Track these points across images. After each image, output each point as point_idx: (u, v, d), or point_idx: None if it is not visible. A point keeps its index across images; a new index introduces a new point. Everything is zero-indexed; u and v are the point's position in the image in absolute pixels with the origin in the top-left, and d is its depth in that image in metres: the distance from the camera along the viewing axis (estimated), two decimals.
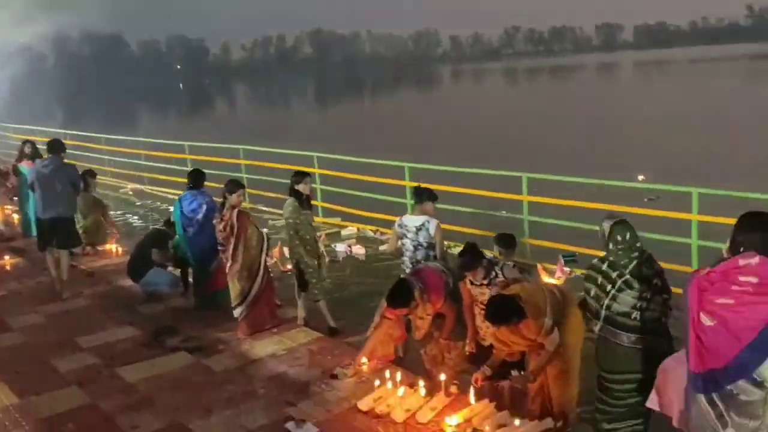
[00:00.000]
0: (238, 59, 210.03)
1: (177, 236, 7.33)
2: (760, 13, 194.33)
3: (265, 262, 6.39)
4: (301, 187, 6.37)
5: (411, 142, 22.33)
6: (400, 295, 4.91)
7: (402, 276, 5.40)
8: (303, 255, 6.34)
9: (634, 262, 4.01)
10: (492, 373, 4.51)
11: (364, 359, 5.34)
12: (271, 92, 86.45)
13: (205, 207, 6.99)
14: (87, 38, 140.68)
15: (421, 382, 4.85)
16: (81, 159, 16.54)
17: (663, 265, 7.12)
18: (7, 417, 4.91)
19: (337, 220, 11.61)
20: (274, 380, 5.32)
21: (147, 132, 23.40)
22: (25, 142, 10.36)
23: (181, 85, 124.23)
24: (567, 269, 8.19)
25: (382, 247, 9.75)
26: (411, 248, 5.73)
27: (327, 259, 9.47)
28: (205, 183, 7.40)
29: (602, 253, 4.15)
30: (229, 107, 67.82)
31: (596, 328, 4.05)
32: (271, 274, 7.29)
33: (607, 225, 4.10)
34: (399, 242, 5.89)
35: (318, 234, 10.21)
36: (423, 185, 6.06)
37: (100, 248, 9.76)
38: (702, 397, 2.75)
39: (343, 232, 11.03)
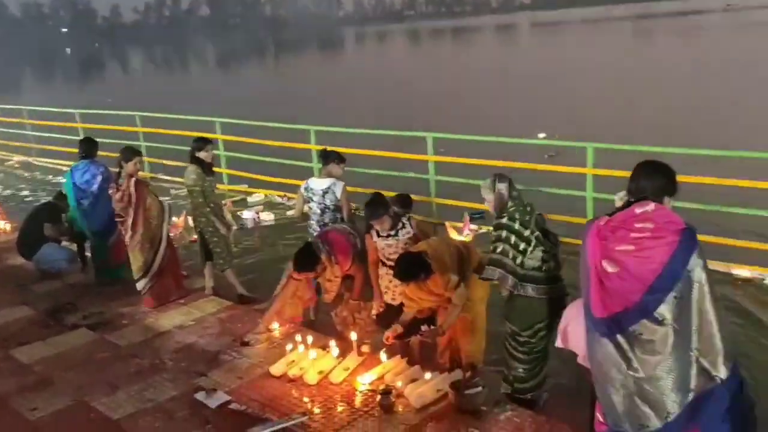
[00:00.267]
0: (130, 22, 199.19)
1: (70, 209, 6.94)
2: None
3: (168, 232, 6.18)
4: (202, 155, 6.15)
5: (317, 105, 22.08)
6: (306, 258, 4.88)
7: (308, 240, 5.36)
8: (207, 224, 6.16)
9: (534, 217, 4.16)
10: (403, 330, 4.58)
11: (274, 324, 5.30)
12: (168, 56, 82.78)
13: (99, 177, 6.65)
14: None
15: (333, 344, 4.87)
16: None
17: (561, 217, 7.54)
18: None
19: (243, 187, 11.37)
20: (182, 351, 5.19)
21: (32, 100, 21.86)
22: None
23: (68, 49, 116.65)
24: (474, 226, 8.42)
25: (289, 212, 9.66)
26: (318, 212, 5.68)
27: (235, 227, 9.31)
28: (99, 152, 7.03)
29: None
30: (123, 72, 64.43)
31: (509, 287, 4.09)
32: (177, 245, 7.08)
33: (503, 185, 4.18)
34: (306, 206, 5.83)
35: (224, 201, 9.99)
36: (329, 148, 6.00)
37: None
38: (606, 340, 2.89)
39: (250, 199, 10.82)
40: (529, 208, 4.19)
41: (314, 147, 9.93)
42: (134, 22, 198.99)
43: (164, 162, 12.22)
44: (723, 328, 2.80)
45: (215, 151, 8.42)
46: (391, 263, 4.73)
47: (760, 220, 7.35)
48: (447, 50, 58.68)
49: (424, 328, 4.65)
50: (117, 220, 6.08)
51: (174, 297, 6.20)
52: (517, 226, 4.08)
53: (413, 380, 4.37)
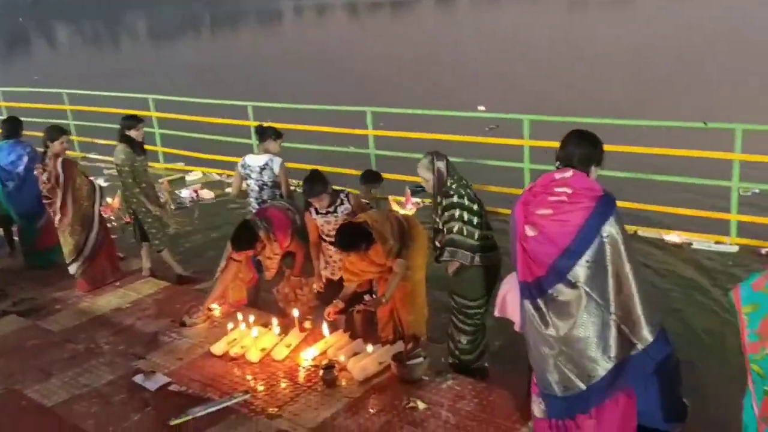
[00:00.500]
0: None
1: None
2: None
3: (100, 213, 5.97)
4: (133, 133, 5.94)
5: (254, 80, 21.65)
6: (244, 237, 4.80)
7: (246, 218, 5.27)
8: (140, 204, 5.98)
9: (471, 190, 4.20)
10: (344, 305, 4.58)
11: (214, 305, 5.22)
12: (98, 31, 79.50)
13: (26, 158, 6.38)
14: None
15: (275, 321, 4.84)
16: None
17: (501, 189, 7.65)
18: None
19: (179, 165, 11.09)
20: (120, 335, 5.07)
21: None
22: None
23: None
24: (416, 200, 8.45)
25: (227, 190, 9.47)
26: (256, 188, 5.59)
27: (172, 207, 9.08)
28: (25, 132, 6.72)
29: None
30: (50, 48, 61.55)
31: (467, 262, 4.09)
32: (113, 225, 6.87)
33: (441, 163, 4.18)
34: (244, 184, 5.73)
35: (160, 180, 9.74)
36: (266, 124, 5.89)
37: None
38: (529, 303, 2.97)
39: (188, 178, 10.57)
40: (464, 182, 4.22)
41: (251, 123, 9.75)
42: None
43: (96, 141, 11.80)
44: (644, 295, 2.89)
45: (148, 129, 8.17)
46: (331, 239, 4.72)
47: (689, 187, 7.65)
48: (386, 23, 58.31)
49: (366, 297, 4.66)
50: (45, 202, 5.85)
51: (109, 280, 6.03)
52: (466, 201, 4.11)
53: (355, 354, 4.40)
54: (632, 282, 2.85)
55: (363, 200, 5.35)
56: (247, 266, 5.23)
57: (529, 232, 2.91)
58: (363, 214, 4.57)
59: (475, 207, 4.14)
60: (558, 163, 3.04)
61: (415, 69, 23.35)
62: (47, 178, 5.66)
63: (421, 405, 3.87)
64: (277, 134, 5.68)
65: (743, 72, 16.77)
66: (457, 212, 4.08)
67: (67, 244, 5.82)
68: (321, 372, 4.20)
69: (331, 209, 4.78)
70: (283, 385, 4.22)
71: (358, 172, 8.86)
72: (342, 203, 4.81)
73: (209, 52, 39.26)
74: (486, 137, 9.54)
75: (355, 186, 6.61)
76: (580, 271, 2.84)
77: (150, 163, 6.30)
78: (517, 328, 3.58)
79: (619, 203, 2.91)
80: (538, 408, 3.15)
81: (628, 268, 2.84)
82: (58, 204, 5.69)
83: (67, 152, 5.99)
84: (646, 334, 2.87)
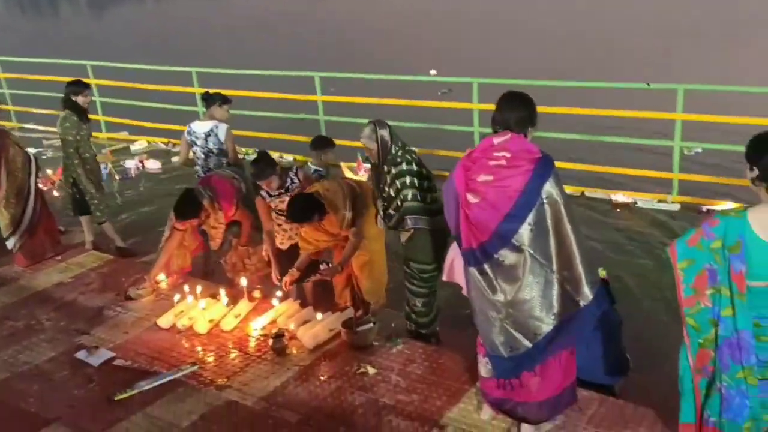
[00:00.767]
0: None
1: None
2: None
3: (36, 185, 5.73)
4: (80, 99, 5.72)
5: (200, 46, 21.04)
6: (187, 205, 4.67)
7: (189, 186, 5.11)
8: (81, 174, 5.77)
9: (416, 155, 4.16)
10: (299, 274, 4.53)
11: (161, 276, 5.09)
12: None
13: None
14: None
15: (223, 291, 4.75)
16: None
17: (450, 153, 7.64)
18: None
19: (123, 135, 10.75)
20: (62, 310, 4.91)
21: None
22: None
23: None
24: (368, 166, 8.38)
25: (174, 159, 9.24)
26: (202, 156, 5.44)
27: (117, 178, 8.82)
28: None
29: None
30: None
31: (423, 226, 4.04)
32: (57, 196, 6.59)
33: (385, 131, 4.10)
34: (191, 151, 5.57)
35: (103, 151, 9.43)
36: (212, 90, 5.71)
37: None
38: (474, 270, 2.96)
39: (133, 147, 10.26)
40: (408, 147, 4.18)
41: (197, 90, 9.47)
42: None
43: (33, 110, 11.33)
44: (583, 253, 2.91)
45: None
46: (282, 212, 4.64)
47: (638, 148, 7.79)
48: None
49: (323, 266, 4.61)
50: None
51: (50, 254, 5.82)
52: (415, 167, 4.06)
53: (306, 322, 4.36)
54: (573, 240, 2.87)
55: (316, 167, 5.24)
56: (192, 234, 5.10)
57: (471, 198, 2.90)
58: (315, 184, 4.47)
59: (424, 171, 4.11)
60: (494, 126, 3.01)
61: (363, 33, 23.05)
62: None
63: (371, 370, 3.87)
64: (223, 100, 5.50)
65: (687, 34, 17.07)
66: (408, 179, 4.03)
67: (2, 218, 5.57)
68: (270, 341, 4.16)
69: (282, 190, 4.67)
70: (232, 355, 4.17)
71: (309, 139, 8.78)
72: (292, 182, 4.70)
73: (153, 17, 37.95)
74: (438, 101, 9.50)
75: (307, 153, 6.50)
76: (524, 234, 2.84)
77: (93, 133, 6.04)
78: (465, 293, 3.59)
79: (568, 164, 2.92)
80: (484, 368, 3.18)
81: (568, 227, 2.86)
82: None
83: (2, 122, 5.70)
84: (587, 291, 2.90)
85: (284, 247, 4.84)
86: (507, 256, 2.87)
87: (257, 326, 4.39)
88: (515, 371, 3.00)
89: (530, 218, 2.82)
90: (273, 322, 4.44)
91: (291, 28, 25.36)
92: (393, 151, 4.10)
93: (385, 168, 4.12)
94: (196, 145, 5.44)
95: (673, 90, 6.87)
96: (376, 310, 4.59)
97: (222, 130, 5.38)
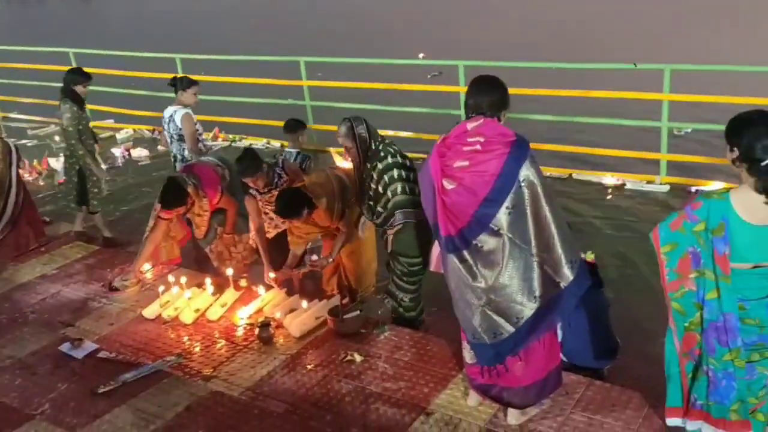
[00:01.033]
0: None
1: None
2: None
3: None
4: (79, 89, 5.67)
5: (185, 34, 20.82)
6: (172, 193, 4.59)
7: (170, 174, 5.04)
8: (91, 164, 5.76)
9: (395, 146, 4.10)
10: (290, 272, 4.50)
11: (146, 266, 5.04)
12: None
13: None
14: None
15: (208, 280, 4.70)
16: None
17: (437, 137, 7.57)
18: None
19: (109, 123, 10.63)
20: (46, 302, 4.85)
21: None
22: None
23: None
24: (348, 165, 8.30)
25: (159, 147, 9.15)
26: (169, 141, 5.43)
27: (104, 167, 8.73)
28: None
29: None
30: None
31: (413, 219, 3.97)
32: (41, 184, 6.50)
33: (362, 128, 4.01)
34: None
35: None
36: (179, 75, 5.65)
37: None
38: (453, 257, 2.92)
39: (119, 136, 10.15)
40: (387, 140, 4.13)
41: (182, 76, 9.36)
42: None
43: (18, 99, 11.18)
44: (563, 234, 2.87)
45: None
46: (271, 206, 4.61)
47: (627, 130, 7.76)
48: None
49: (314, 257, 4.56)
50: None
51: (33, 245, 5.75)
52: (399, 159, 3.99)
53: (292, 310, 4.32)
54: (551, 222, 2.83)
55: (296, 149, 5.17)
56: (179, 224, 5.04)
57: (448, 185, 2.86)
58: (303, 175, 4.41)
59: (407, 163, 4.04)
60: (467, 111, 2.96)
61: (349, 19, 22.85)
62: None
63: (358, 358, 3.84)
64: (186, 83, 5.40)
65: (674, 14, 17.01)
66: (395, 172, 3.94)
67: None
68: (257, 330, 4.12)
69: (271, 187, 4.60)
70: (218, 345, 4.13)
71: None
72: (279, 177, 4.64)
73: (139, 6, 37.49)
74: (427, 85, 9.42)
75: (285, 139, 6.38)
76: (503, 218, 2.80)
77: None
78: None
79: (556, 146, 2.87)
80: (468, 354, 3.15)
81: (546, 209, 2.82)
82: None
83: None
84: (567, 272, 2.87)
85: (270, 235, 4.80)
86: (486, 241, 2.83)
87: (243, 315, 4.35)
88: (499, 358, 2.97)
89: (508, 202, 2.78)
90: (259, 310, 4.41)
91: (277, 13, 25.12)
92: (374, 147, 4.02)
93: (369, 165, 4.03)
94: (165, 130, 5.44)
95: (660, 70, 6.83)
96: (365, 297, 4.56)
97: (178, 115, 5.30)
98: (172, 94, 5.51)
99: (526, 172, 2.78)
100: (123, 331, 4.36)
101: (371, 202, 4.10)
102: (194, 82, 5.45)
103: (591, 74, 8.71)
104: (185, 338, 4.23)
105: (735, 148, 2.43)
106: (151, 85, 10.16)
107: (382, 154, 3.99)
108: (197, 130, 5.38)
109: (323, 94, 9.13)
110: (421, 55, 13.30)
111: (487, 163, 2.79)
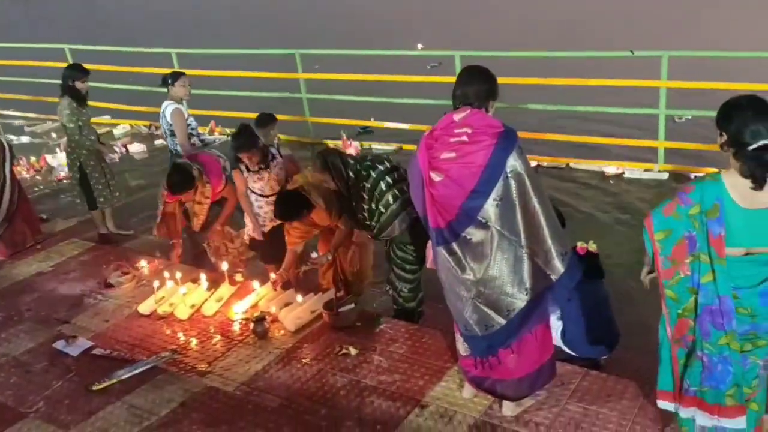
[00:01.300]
0: None
1: None
2: None
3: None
4: (79, 85, 5.64)
5: (178, 27, 20.75)
6: (180, 177, 4.58)
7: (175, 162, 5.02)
8: (88, 158, 5.72)
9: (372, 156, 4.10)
10: (289, 274, 4.49)
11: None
12: None
13: None
14: None
15: (203, 276, 4.69)
16: None
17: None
18: None
19: (105, 119, 10.60)
20: (41, 299, 4.84)
21: None
22: None
23: None
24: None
25: (157, 143, 9.14)
26: (165, 136, 5.45)
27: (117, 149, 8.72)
28: None
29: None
30: None
31: (403, 224, 3.93)
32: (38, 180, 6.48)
33: (336, 159, 3.99)
34: None
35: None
36: (171, 71, 5.62)
37: None
38: (443, 249, 2.89)
39: (116, 131, 10.15)
40: (362, 159, 4.09)
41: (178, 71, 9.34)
42: None
43: (15, 96, 11.15)
44: (552, 225, 2.84)
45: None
46: (263, 194, 4.59)
47: (621, 118, 7.70)
48: None
49: (313, 255, 4.54)
50: None
51: (30, 243, 5.74)
52: (381, 167, 3.95)
53: (287, 305, 4.31)
54: (540, 214, 2.80)
55: (267, 145, 5.14)
56: (178, 215, 5.01)
57: (435, 177, 2.82)
58: (299, 175, 4.37)
59: (389, 164, 4.00)
60: (454, 102, 2.92)
61: (345, 10, 22.73)
62: None
63: (353, 351, 3.82)
64: (173, 77, 5.38)
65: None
66: (382, 184, 3.90)
67: None
68: (252, 325, 4.10)
69: (262, 165, 4.58)
70: (213, 340, 4.11)
71: (292, 118, 8.68)
72: (273, 157, 4.61)
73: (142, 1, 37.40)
74: (425, 76, 9.37)
75: (289, 132, 6.42)
76: (490, 210, 2.77)
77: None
78: None
79: (552, 135, 2.83)
80: (462, 346, 3.13)
81: (535, 200, 2.79)
82: None
83: None
84: (558, 264, 2.84)
85: (266, 229, 4.77)
86: (474, 233, 2.80)
87: (239, 310, 4.33)
88: (491, 350, 2.95)
89: (495, 193, 2.74)
90: (254, 305, 4.39)
91: (276, 13, 25.01)
92: (356, 169, 3.97)
93: (359, 187, 3.97)
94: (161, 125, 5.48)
95: (658, 57, 6.77)
96: (360, 290, 4.54)
97: (168, 109, 5.29)
98: (165, 89, 5.49)
99: (513, 162, 2.74)
100: (118, 328, 4.35)
101: (368, 222, 4.04)
102: (181, 74, 5.43)
103: (589, 63, 8.65)
104: (180, 334, 4.22)
105: (724, 133, 2.41)
106: (148, 80, 10.14)
107: (364, 173, 3.95)
108: (189, 124, 5.35)
109: (321, 87, 9.09)
110: (420, 46, 13.24)
111: (474, 155, 2.75)
